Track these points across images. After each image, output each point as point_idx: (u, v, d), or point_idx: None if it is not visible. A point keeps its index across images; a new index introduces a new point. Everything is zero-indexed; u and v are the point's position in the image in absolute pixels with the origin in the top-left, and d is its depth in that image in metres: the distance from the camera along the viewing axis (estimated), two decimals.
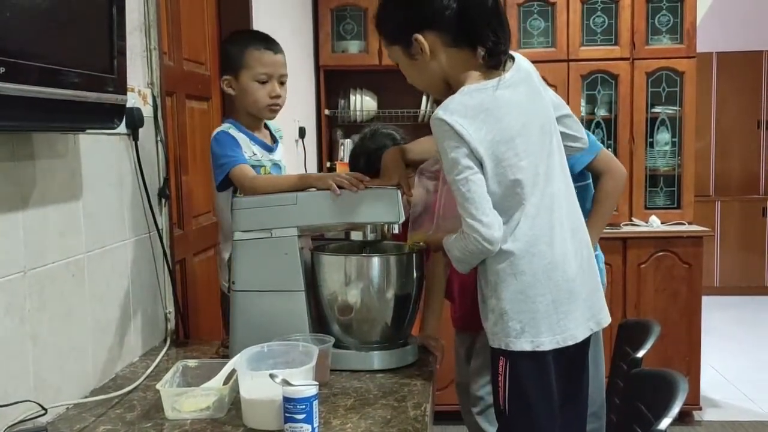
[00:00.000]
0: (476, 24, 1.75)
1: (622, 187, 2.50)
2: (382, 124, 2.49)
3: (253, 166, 2.16)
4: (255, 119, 2.25)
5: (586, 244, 1.89)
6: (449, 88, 1.82)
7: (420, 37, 1.76)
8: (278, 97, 2.21)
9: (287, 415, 1.46)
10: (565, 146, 1.91)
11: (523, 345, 1.76)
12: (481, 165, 1.72)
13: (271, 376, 1.49)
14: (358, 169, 2.37)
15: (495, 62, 1.77)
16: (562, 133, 1.90)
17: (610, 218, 2.61)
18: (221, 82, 2.24)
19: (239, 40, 2.27)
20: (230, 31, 2.53)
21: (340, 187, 1.88)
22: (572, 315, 1.80)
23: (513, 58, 1.82)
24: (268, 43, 2.23)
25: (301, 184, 1.98)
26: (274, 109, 2.23)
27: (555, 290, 1.78)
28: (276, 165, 2.26)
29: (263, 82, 2.19)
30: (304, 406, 1.45)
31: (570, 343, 1.80)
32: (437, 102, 4.17)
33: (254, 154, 2.19)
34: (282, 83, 2.23)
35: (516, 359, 1.78)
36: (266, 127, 2.33)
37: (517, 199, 1.76)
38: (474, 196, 1.70)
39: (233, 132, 2.18)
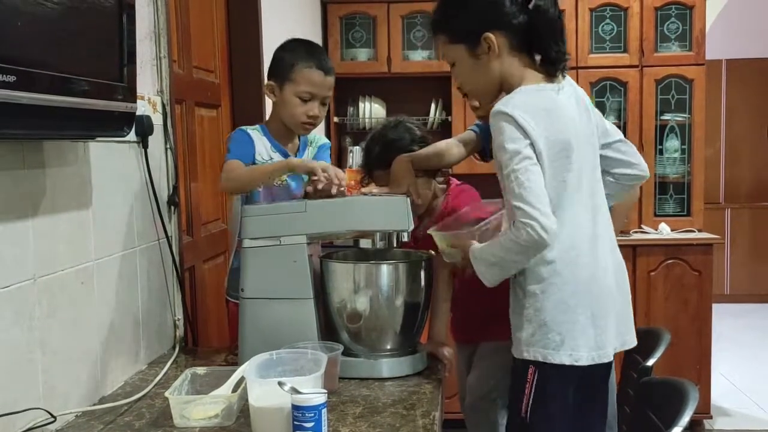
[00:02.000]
0: (543, 36, 1.80)
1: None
2: (406, 117, 2.47)
3: None
4: (287, 129, 2.25)
5: (622, 264, 1.91)
6: (498, 93, 1.86)
7: (491, 35, 1.79)
8: (316, 117, 2.20)
9: (296, 423, 1.46)
10: (619, 174, 1.96)
11: (562, 358, 1.76)
12: (537, 160, 1.73)
13: (280, 384, 1.48)
14: (371, 156, 2.37)
15: (553, 71, 1.82)
16: (615, 159, 1.95)
17: (626, 216, 2.61)
18: (264, 86, 2.24)
19: (294, 50, 2.23)
20: (239, 39, 2.54)
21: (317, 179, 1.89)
22: (607, 332, 1.80)
23: (564, 76, 1.86)
24: (322, 63, 2.20)
25: (281, 168, 1.99)
26: (307, 128, 2.23)
27: (595, 303, 1.78)
28: (296, 175, 2.24)
29: (305, 100, 2.17)
30: (312, 414, 1.45)
31: (604, 360, 1.80)
32: (446, 109, 4.14)
33: (271, 159, 2.20)
34: (324, 104, 2.22)
35: (549, 371, 1.78)
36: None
37: (563, 202, 1.77)
38: (534, 186, 1.69)
39: (254, 133, 2.20)
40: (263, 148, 2.20)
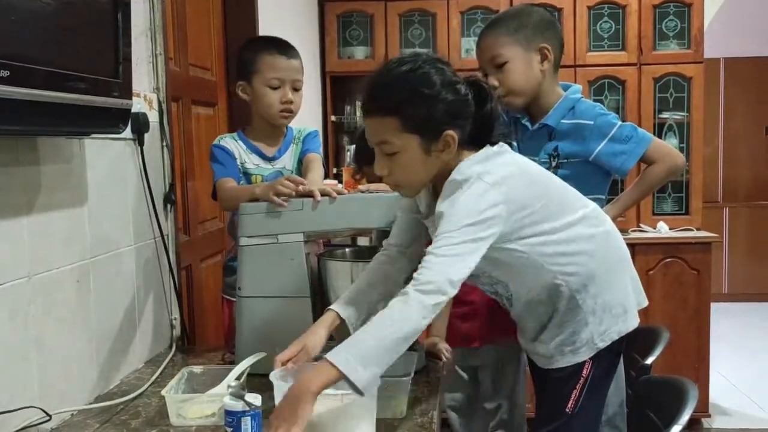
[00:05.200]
0: (490, 128, 1.69)
1: (667, 174, 2.43)
2: None
3: (251, 174, 2.20)
4: (270, 125, 2.24)
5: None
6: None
7: (452, 134, 1.60)
8: (290, 102, 2.19)
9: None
10: None
11: (630, 324, 1.82)
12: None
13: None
14: (363, 152, 2.36)
15: (481, 142, 1.69)
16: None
17: (645, 197, 2.60)
18: (236, 87, 2.24)
19: (253, 45, 2.26)
20: (236, 37, 2.54)
21: (280, 195, 1.88)
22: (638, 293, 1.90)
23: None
24: (281, 47, 2.21)
25: (250, 197, 1.96)
26: (285, 115, 2.21)
27: (629, 267, 1.89)
28: (279, 172, 2.22)
29: (275, 88, 2.17)
30: (231, 420, 1.45)
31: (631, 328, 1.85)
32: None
33: (246, 162, 2.21)
34: (296, 89, 2.21)
35: (602, 356, 1.80)
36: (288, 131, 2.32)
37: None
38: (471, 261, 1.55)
39: (230, 142, 2.21)
40: (241, 152, 2.21)
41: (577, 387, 1.81)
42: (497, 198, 1.59)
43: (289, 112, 2.21)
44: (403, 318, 1.47)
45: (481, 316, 2.38)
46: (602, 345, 1.79)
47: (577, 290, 1.75)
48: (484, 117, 1.67)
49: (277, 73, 2.17)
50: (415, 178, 1.67)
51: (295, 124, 2.33)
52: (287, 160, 2.28)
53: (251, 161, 2.21)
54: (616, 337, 1.80)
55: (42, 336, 1.59)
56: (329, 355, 1.45)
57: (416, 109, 1.58)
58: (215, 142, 2.22)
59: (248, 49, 2.24)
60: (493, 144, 1.70)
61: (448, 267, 1.52)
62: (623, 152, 2.26)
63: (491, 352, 2.43)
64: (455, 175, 1.62)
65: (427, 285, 1.49)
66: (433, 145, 1.61)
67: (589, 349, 1.78)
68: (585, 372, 1.80)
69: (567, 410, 1.82)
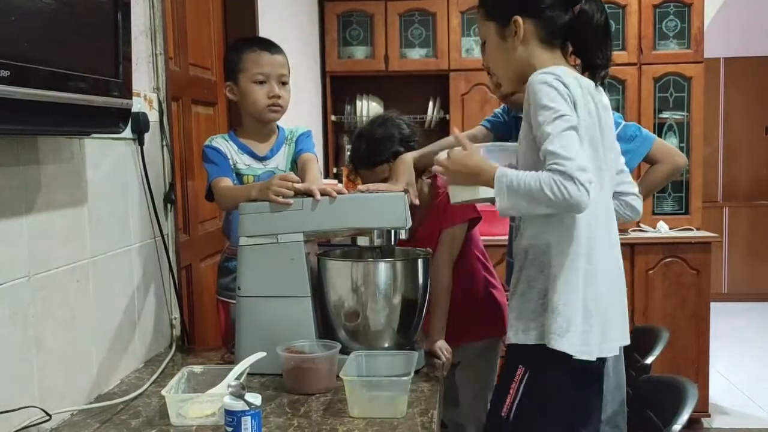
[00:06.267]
0: (585, 41, 1.79)
1: (669, 174, 2.49)
2: (396, 113, 2.45)
3: (243, 174, 2.19)
4: (260, 124, 2.24)
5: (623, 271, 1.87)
6: (520, 81, 1.82)
7: (519, 19, 1.78)
8: (277, 97, 2.19)
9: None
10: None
11: (565, 346, 1.69)
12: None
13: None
14: (359, 153, 2.36)
15: (591, 77, 1.80)
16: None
17: (648, 196, 2.61)
18: (224, 89, 2.25)
19: (237, 46, 2.27)
20: (236, 37, 2.54)
21: (278, 196, 1.88)
22: (613, 327, 1.77)
23: (602, 85, 1.85)
24: (263, 44, 2.23)
25: (248, 197, 1.96)
26: (274, 110, 2.20)
27: (604, 298, 1.74)
28: (272, 172, 2.20)
29: (261, 83, 2.18)
30: (231, 420, 1.46)
31: (606, 355, 1.77)
32: (444, 107, 4.11)
33: (238, 162, 2.20)
34: (283, 83, 2.21)
35: (548, 360, 1.73)
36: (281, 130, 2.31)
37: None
38: (575, 144, 1.61)
39: (221, 142, 2.20)
40: (233, 153, 2.20)
41: (513, 385, 1.76)
42: None
43: (278, 107, 2.20)
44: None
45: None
46: (555, 344, 1.70)
47: (556, 276, 1.71)
48: (574, 21, 1.77)
49: (261, 69, 2.17)
50: (499, 66, 1.89)
51: (291, 123, 2.33)
52: (280, 160, 2.26)
53: (243, 161, 2.21)
54: (557, 348, 1.69)
55: (42, 336, 1.59)
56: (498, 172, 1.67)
57: None
58: (207, 143, 2.21)
59: (233, 51, 2.26)
60: (595, 72, 1.79)
61: None
62: (628, 151, 2.26)
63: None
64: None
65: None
66: (506, 30, 1.80)
67: (538, 337, 1.72)
68: (517, 376, 1.76)
69: (503, 414, 1.78)
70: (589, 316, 1.70)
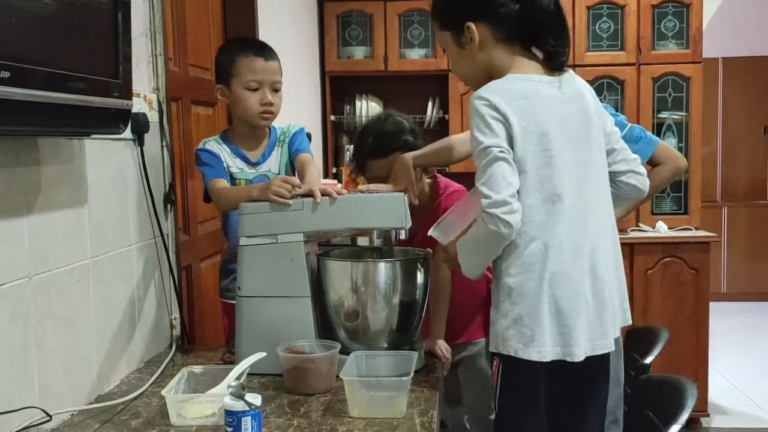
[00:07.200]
0: (537, 28, 1.77)
1: (671, 176, 2.54)
2: (395, 111, 2.45)
3: (234, 178, 2.18)
4: (251, 127, 2.22)
5: (610, 277, 1.80)
6: (487, 82, 1.79)
7: (472, 25, 1.77)
8: (270, 104, 2.16)
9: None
10: (622, 183, 1.90)
11: (531, 354, 1.69)
12: (511, 149, 1.68)
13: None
14: (363, 148, 2.35)
15: (551, 65, 1.79)
16: (620, 172, 1.90)
17: (650, 197, 2.66)
18: (215, 91, 2.23)
19: (230, 47, 2.24)
20: (236, 36, 2.53)
21: (279, 196, 1.88)
22: (576, 331, 1.71)
23: (565, 71, 1.82)
24: (259, 49, 2.19)
25: (248, 197, 1.96)
26: (266, 117, 2.18)
27: (563, 302, 1.70)
28: (264, 176, 2.20)
29: (254, 90, 2.15)
30: (231, 420, 1.46)
31: (568, 359, 1.71)
32: (443, 107, 4.13)
33: (231, 166, 2.19)
34: (276, 90, 2.19)
35: (517, 364, 1.73)
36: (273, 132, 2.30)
37: (541, 197, 1.71)
38: (497, 175, 1.65)
39: (215, 146, 2.19)
40: (225, 156, 2.19)
41: (496, 384, 1.77)
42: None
43: (270, 114, 2.18)
44: None
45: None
46: (501, 347, 1.72)
47: (504, 287, 1.72)
48: (523, 8, 1.76)
49: (255, 76, 2.14)
50: (462, 72, 1.90)
51: (288, 122, 2.31)
52: (272, 163, 2.24)
53: (235, 165, 2.19)
54: (512, 353, 1.70)
55: (42, 336, 1.59)
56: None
57: (443, 8, 1.86)
58: (199, 146, 2.19)
59: (225, 52, 2.22)
60: (552, 59, 1.78)
61: None
62: (633, 153, 2.27)
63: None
64: None
65: None
66: (462, 38, 1.80)
67: (493, 341, 1.74)
68: (494, 368, 1.78)
69: (495, 409, 1.80)
70: (537, 318, 1.68)
